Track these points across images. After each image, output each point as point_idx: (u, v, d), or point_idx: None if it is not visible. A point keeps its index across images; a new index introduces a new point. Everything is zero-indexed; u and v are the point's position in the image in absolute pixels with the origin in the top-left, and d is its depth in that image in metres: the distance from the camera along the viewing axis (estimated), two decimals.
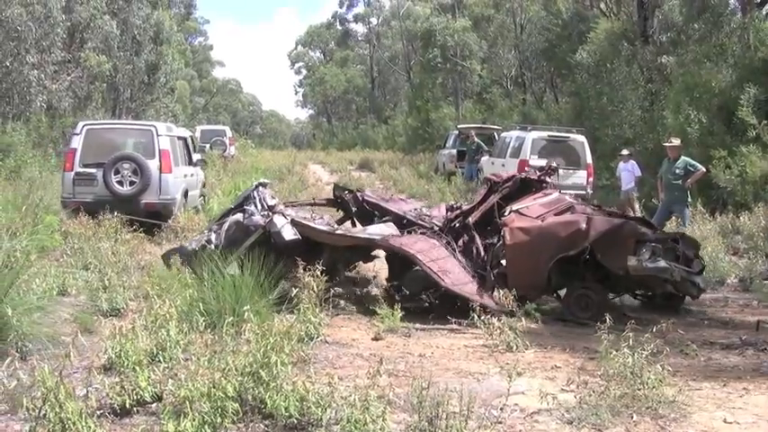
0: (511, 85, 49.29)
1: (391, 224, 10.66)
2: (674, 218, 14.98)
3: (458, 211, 10.97)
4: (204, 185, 20.03)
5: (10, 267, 7.33)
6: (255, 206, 10.09)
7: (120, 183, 14.97)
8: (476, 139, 28.14)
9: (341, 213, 12.13)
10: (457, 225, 10.73)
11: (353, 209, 11.56)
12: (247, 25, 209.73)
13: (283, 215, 9.90)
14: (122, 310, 8.54)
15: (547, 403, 5.57)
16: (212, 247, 9.68)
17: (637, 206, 18.84)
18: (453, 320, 8.83)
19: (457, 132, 32.67)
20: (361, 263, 11.51)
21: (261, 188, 10.48)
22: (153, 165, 15.29)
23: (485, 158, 25.81)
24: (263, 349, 5.46)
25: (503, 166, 22.47)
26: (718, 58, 23.24)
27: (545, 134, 22.13)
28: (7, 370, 5.36)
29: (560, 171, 20.78)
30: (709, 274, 11.86)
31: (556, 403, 5.67)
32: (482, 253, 10.12)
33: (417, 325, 8.78)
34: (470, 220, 10.50)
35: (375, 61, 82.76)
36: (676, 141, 15.81)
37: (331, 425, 5.19)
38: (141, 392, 5.39)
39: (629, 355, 5.96)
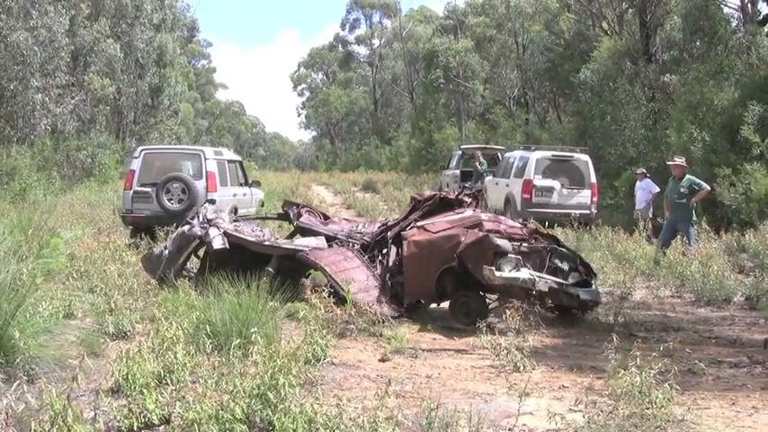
0: (513, 105, 49.39)
1: (322, 238, 11.65)
2: (679, 236, 14.92)
3: (383, 227, 11.99)
4: (263, 204, 21.79)
5: (16, 290, 7.31)
6: (198, 219, 11.58)
7: (171, 200, 16.78)
8: (482, 160, 28.20)
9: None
10: (382, 239, 11.67)
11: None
12: (250, 48, 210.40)
13: (218, 227, 11.25)
14: (129, 333, 8.51)
15: (555, 423, 5.55)
16: (166, 252, 11.30)
17: (650, 225, 18.78)
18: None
19: (460, 153, 32.67)
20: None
21: (207, 204, 12.40)
22: (200, 185, 17.07)
23: (488, 179, 25.84)
24: (271, 371, 5.46)
25: (507, 186, 22.52)
26: (720, 76, 23.26)
27: (549, 154, 22.15)
28: (15, 393, 5.35)
29: (564, 191, 20.94)
30: (715, 293, 11.89)
31: (564, 423, 5.64)
32: (390, 264, 11.00)
33: (424, 345, 8.78)
34: (389, 234, 11.44)
35: (378, 82, 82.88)
36: (680, 160, 15.77)
37: None
38: (149, 415, 5.37)
39: (636, 375, 5.93)
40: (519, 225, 11.25)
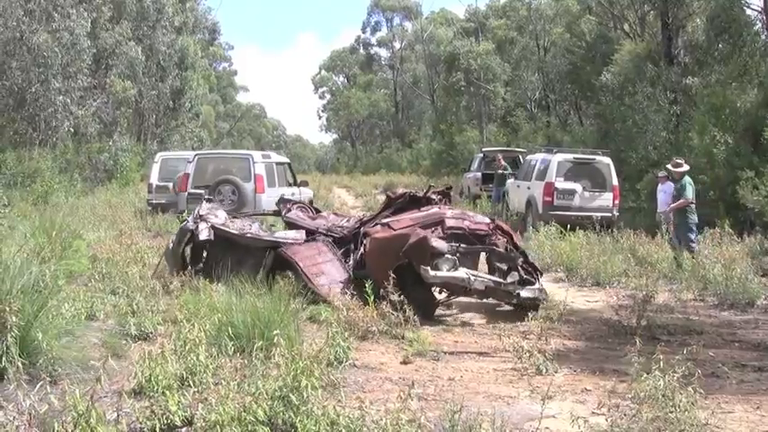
0: (535, 108, 49.27)
1: (302, 231, 12.50)
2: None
3: (360, 222, 12.71)
4: (311, 203, 21.97)
5: (39, 292, 7.34)
6: (193, 215, 12.53)
7: (222, 201, 17.79)
8: (503, 163, 28.17)
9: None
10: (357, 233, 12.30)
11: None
12: (270, 50, 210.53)
13: (206, 222, 12.17)
14: (151, 335, 8.53)
15: (578, 427, 5.51)
16: (171, 245, 12.31)
17: (672, 228, 18.58)
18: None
19: (482, 155, 32.64)
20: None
21: (204, 202, 13.28)
22: (249, 187, 18.95)
23: (510, 181, 25.79)
24: (293, 373, 5.46)
25: (528, 188, 22.45)
26: (744, 78, 23.13)
27: (570, 157, 22.06)
28: (38, 394, 5.36)
29: (586, 193, 20.88)
30: (738, 296, 11.82)
31: (587, 427, 5.61)
32: (358, 257, 11.66)
33: (446, 348, 8.76)
34: (362, 229, 12.07)
35: (398, 85, 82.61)
36: (670, 165, 15.64)
37: None
38: (171, 417, 5.38)
39: (660, 378, 5.88)
40: (486, 221, 11.75)
